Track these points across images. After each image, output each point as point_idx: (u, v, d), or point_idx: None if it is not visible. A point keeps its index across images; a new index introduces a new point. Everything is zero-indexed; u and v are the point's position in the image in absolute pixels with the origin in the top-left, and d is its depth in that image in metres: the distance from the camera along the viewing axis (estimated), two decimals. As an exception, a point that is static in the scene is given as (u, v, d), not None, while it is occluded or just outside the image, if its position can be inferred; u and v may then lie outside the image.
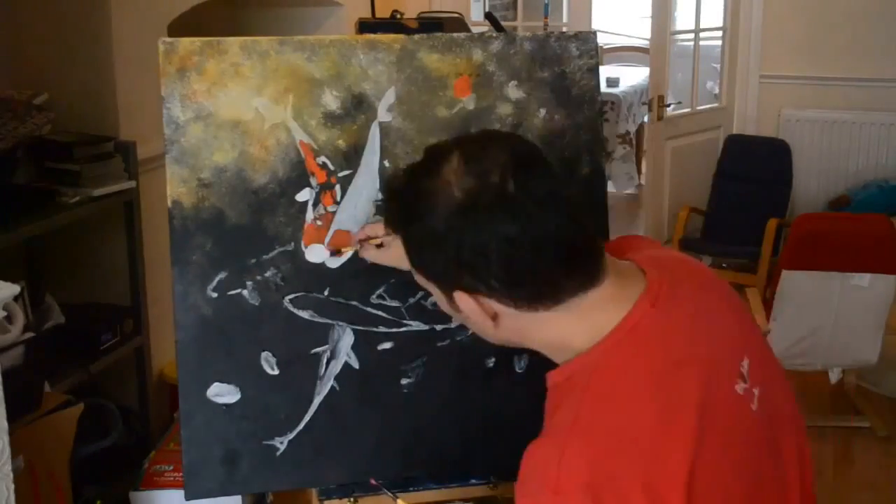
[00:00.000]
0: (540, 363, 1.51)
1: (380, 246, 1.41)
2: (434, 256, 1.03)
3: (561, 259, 1.00)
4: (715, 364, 1.02)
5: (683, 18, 5.48)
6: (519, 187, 0.98)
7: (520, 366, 1.51)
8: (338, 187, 1.46)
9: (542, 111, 1.52)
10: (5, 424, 1.25)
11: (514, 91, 1.51)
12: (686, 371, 0.99)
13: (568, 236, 1.00)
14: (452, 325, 1.49)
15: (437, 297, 1.09)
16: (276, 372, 1.44)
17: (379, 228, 1.40)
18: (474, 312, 1.04)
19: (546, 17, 5.06)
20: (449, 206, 0.99)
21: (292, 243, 1.45)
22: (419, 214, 1.02)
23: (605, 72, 6.34)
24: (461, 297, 1.03)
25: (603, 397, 0.98)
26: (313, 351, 1.45)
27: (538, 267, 0.99)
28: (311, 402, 1.45)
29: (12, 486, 1.27)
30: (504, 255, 0.98)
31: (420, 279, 1.10)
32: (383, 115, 1.47)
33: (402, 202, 1.07)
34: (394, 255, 1.37)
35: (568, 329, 1.03)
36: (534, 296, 1.01)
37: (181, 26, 2.76)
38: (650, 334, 1.01)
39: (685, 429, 0.95)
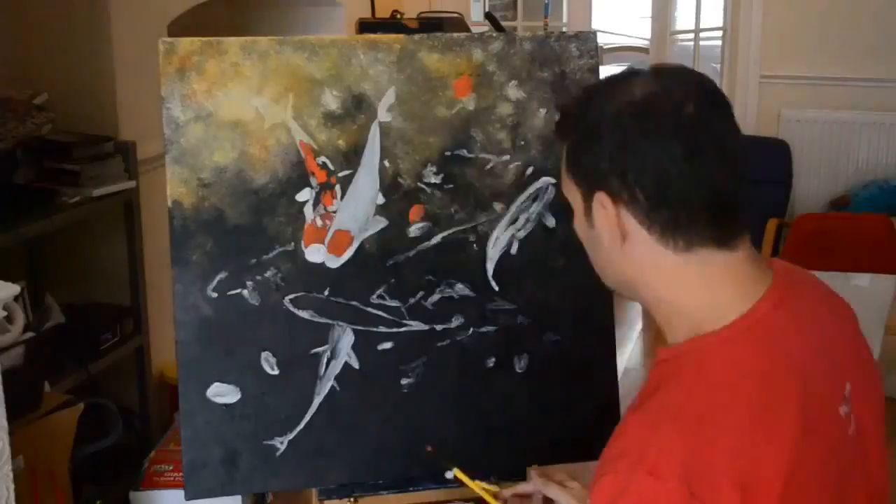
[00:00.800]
0: (540, 363, 1.52)
1: None
2: (591, 151, 1.01)
3: (712, 203, 0.98)
4: (823, 381, 1.00)
5: (683, 18, 5.48)
6: (698, 116, 0.97)
7: (520, 366, 1.51)
8: (338, 187, 1.46)
9: (543, 111, 1.52)
10: (5, 424, 1.24)
11: (514, 91, 1.51)
12: (795, 381, 0.97)
13: (726, 185, 0.98)
14: (452, 325, 1.49)
15: (576, 209, 1.07)
16: (277, 372, 1.44)
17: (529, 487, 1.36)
18: (606, 227, 1.01)
19: (546, 17, 5.05)
20: (624, 103, 0.98)
21: (292, 243, 1.45)
22: (592, 110, 1.02)
23: (605, 72, 6.33)
24: (600, 204, 1.01)
25: (712, 388, 0.95)
26: (313, 351, 1.45)
27: (689, 197, 0.97)
28: (311, 402, 1.45)
29: (12, 486, 1.27)
30: (661, 171, 0.96)
31: (567, 188, 1.07)
32: (383, 115, 1.47)
33: (580, 104, 1.06)
34: None
35: (688, 291, 1.00)
36: (671, 225, 0.98)
37: (181, 26, 2.76)
38: (769, 336, 0.98)
39: (785, 437, 0.93)
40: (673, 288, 1.01)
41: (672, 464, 0.90)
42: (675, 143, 0.96)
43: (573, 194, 1.06)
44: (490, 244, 1.51)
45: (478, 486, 1.33)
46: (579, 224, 1.07)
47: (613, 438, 0.98)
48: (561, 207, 1.51)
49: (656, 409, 0.96)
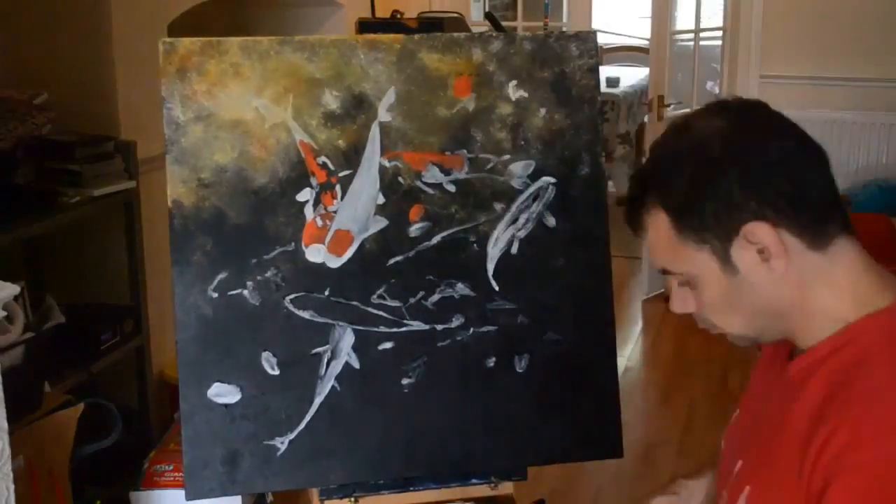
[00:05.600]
0: (540, 363, 1.51)
1: None
2: (713, 192, 0.99)
3: (832, 190, 1.02)
4: None
5: (683, 18, 5.47)
6: (784, 117, 1.06)
7: (520, 366, 1.51)
8: (338, 187, 1.46)
9: (542, 111, 1.51)
10: (5, 424, 1.24)
11: (514, 91, 1.51)
12: None
13: (830, 170, 1.03)
14: (453, 325, 1.49)
15: (704, 274, 1.03)
16: (277, 372, 1.44)
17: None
18: (757, 262, 1.00)
19: (546, 17, 5.06)
20: (720, 132, 1.01)
21: (293, 243, 1.45)
22: (690, 153, 1.02)
23: (605, 72, 6.33)
24: (745, 240, 0.99)
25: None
26: (314, 351, 1.45)
27: (817, 179, 1.01)
28: (311, 402, 1.45)
29: (12, 486, 1.27)
30: (786, 166, 0.99)
31: (685, 258, 1.03)
32: (383, 114, 1.47)
33: (662, 162, 1.06)
34: None
35: (834, 290, 1.02)
36: (815, 221, 1.00)
37: (181, 26, 2.76)
38: None
39: None
40: (821, 290, 1.02)
41: None
42: (782, 141, 1.01)
43: (697, 260, 1.03)
44: (490, 244, 1.51)
45: None
46: (712, 285, 1.03)
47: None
48: (561, 207, 1.51)
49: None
